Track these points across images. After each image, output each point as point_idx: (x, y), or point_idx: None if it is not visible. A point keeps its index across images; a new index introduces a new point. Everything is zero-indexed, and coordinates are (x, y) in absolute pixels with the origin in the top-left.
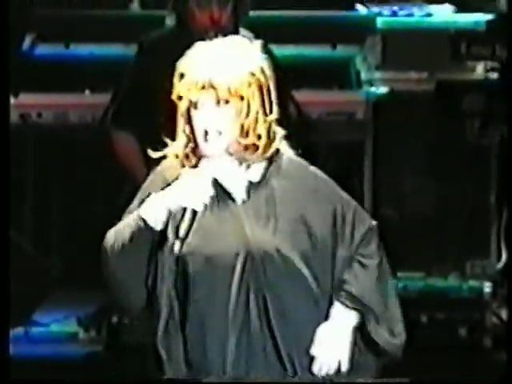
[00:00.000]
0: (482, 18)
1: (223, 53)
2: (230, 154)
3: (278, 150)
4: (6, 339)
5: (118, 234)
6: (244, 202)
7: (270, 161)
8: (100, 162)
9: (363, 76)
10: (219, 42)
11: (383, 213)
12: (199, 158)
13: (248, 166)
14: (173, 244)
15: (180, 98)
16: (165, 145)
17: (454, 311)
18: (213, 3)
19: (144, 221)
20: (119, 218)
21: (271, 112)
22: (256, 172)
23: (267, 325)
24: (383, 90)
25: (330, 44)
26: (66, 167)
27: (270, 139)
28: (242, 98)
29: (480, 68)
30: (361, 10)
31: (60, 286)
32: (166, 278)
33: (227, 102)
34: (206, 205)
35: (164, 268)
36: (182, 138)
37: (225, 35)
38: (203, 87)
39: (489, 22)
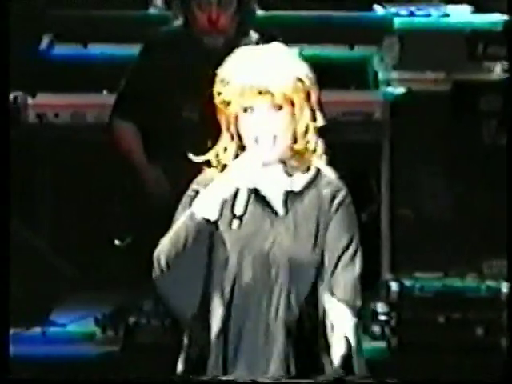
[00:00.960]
0: (499, 18)
1: (271, 59)
2: (281, 162)
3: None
4: (6, 338)
5: (173, 239)
6: (284, 212)
7: (311, 174)
8: (118, 163)
9: (380, 76)
10: (262, 49)
11: (400, 213)
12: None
13: (290, 175)
14: (231, 222)
15: (227, 103)
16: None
17: (471, 311)
18: (212, 5)
19: (201, 217)
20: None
21: (316, 119)
22: (297, 182)
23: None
24: (400, 90)
25: (348, 44)
26: (84, 167)
27: (316, 147)
28: (292, 104)
29: (497, 68)
30: (378, 10)
31: (77, 287)
32: (223, 276)
33: (280, 107)
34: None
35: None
36: (227, 143)
37: (226, 38)
38: (260, 92)
39: (506, 23)
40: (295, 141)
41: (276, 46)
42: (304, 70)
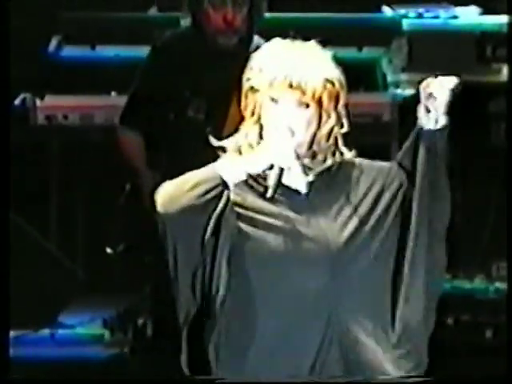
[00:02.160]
0: (508, 20)
1: (306, 56)
2: (297, 157)
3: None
4: (6, 340)
5: (181, 182)
6: (307, 194)
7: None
8: (125, 162)
9: (389, 78)
10: (298, 44)
11: None
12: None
13: (305, 173)
14: (263, 192)
15: (256, 90)
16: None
17: (480, 313)
18: (227, 4)
19: (220, 176)
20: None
21: (342, 125)
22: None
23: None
24: (409, 91)
25: (356, 46)
26: (92, 169)
27: (336, 152)
28: (320, 105)
29: (505, 70)
30: (387, 11)
31: (86, 288)
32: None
33: (308, 105)
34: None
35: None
36: (250, 128)
37: (239, 38)
38: (290, 86)
39: (508, 25)
40: (314, 141)
41: (312, 45)
42: (336, 73)
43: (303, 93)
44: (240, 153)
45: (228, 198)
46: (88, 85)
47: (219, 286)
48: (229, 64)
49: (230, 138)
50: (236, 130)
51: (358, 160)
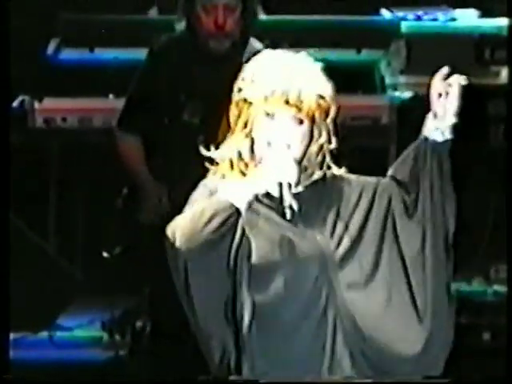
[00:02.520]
0: (507, 22)
1: (300, 70)
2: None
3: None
4: (6, 342)
5: (194, 216)
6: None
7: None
8: (125, 167)
9: (387, 80)
10: (289, 56)
11: None
12: (246, 165)
13: (297, 184)
14: (283, 213)
15: (249, 103)
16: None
17: (478, 316)
18: (218, 9)
19: (231, 203)
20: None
21: (331, 141)
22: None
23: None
24: (408, 94)
25: (355, 48)
26: (91, 172)
27: (324, 168)
28: (313, 121)
29: (504, 73)
30: (385, 14)
31: (84, 291)
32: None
33: (302, 121)
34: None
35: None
36: (241, 141)
37: (232, 42)
38: (287, 102)
39: (508, 27)
40: (305, 157)
41: (303, 57)
42: (328, 88)
43: (299, 109)
44: (231, 166)
45: (242, 224)
46: (86, 87)
47: (244, 312)
48: (222, 68)
49: (220, 149)
50: (224, 139)
51: (343, 174)
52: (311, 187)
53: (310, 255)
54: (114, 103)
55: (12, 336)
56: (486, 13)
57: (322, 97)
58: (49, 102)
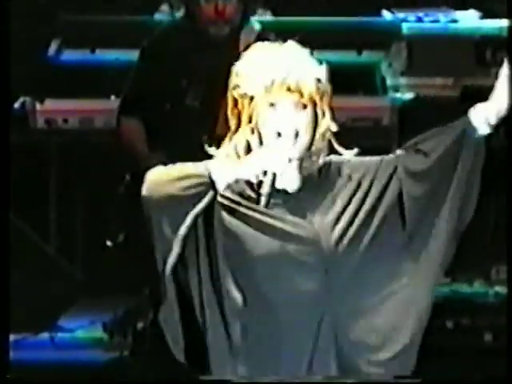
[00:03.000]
0: (507, 23)
1: (294, 57)
2: (299, 159)
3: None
4: (6, 343)
5: (171, 171)
6: (299, 194)
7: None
8: (126, 167)
9: (388, 82)
10: (279, 47)
11: None
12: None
13: (302, 174)
14: (257, 200)
15: (250, 97)
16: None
17: (479, 317)
18: None
19: (210, 177)
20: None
21: (331, 122)
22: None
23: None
24: (409, 95)
25: (356, 50)
26: (92, 172)
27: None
28: (315, 105)
29: None
30: (386, 15)
31: (85, 292)
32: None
33: (305, 106)
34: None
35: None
36: (249, 136)
37: (231, 27)
38: (288, 89)
39: (508, 28)
40: (313, 141)
41: (293, 45)
42: (323, 71)
43: (301, 95)
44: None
45: (213, 199)
46: (88, 88)
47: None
48: (223, 52)
49: (226, 147)
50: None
51: (347, 158)
52: (313, 175)
53: (304, 246)
54: (116, 104)
55: (13, 337)
56: (486, 14)
57: (319, 80)
58: (50, 103)
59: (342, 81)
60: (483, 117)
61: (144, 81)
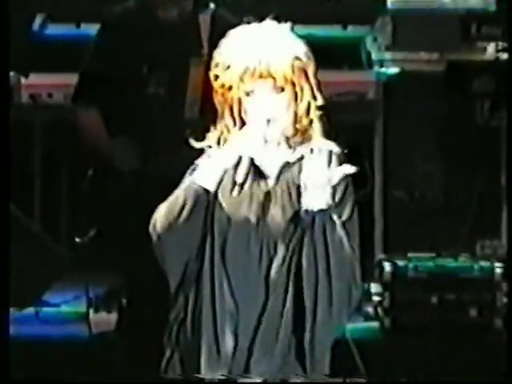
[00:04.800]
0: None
1: (268, 40)
2: (285, 139)
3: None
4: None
5: (170, 205)
6: (275, 183)
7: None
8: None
9: (374, 56)
10: (256, 28)
11: (394, 194)
12: None
13: (293, 148)
14: (232, 189)
15: (229, 87)
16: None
17: (464, 292)
18: None
19: (200, 186)
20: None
21: (315, 97)
22: (295, 154)
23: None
24: (394, 70)
25: (341, 24)
26: (76, 148)
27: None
28: (293, 85)
29: (490, 49)
30: None
31: (70, 267)
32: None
33: (282, 89)
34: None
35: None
36: (231, 127)
37: (181, 10)
38: (261, 76)
39: (499, 2)
40: (297, 119)
41: (269, 25)
42: (301, 48)
43: (274, 79)
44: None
45: (213, 200)
46: (73, 63)
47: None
48: (176, 34)
49: (212, 136)
50: (199, 103)
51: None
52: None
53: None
54: None
55: None
56: None
57: (296, 58)
58: (35, 78)
59: (327, 55)
60: (310, 197)
61: (97, 69)
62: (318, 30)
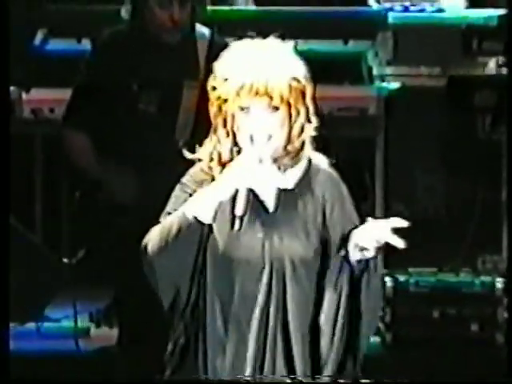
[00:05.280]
0: (494, 13)
1: (268, 57)
2: (273, 160)
3: (309, 158)
4: (6, 336)
5: (163, 232)
6: (276, 210)
7: (303, 168)
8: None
9: (375, 71)
10: (259, 44)
11: (395, 208)
12: (223, 164)
13: (284, 172)
14: (232, 223)
15: (224, 100)
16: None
17: (465, 307)
18: (174, 4)
19: (194, 217)
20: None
21: (310, 120)
22: (290, 179)
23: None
24: (395, 85)
25: (342, 39)
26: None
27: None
28: (289, 105)
29: (491, 63)
30: (373, 5)
31: (71, 282)
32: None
33: (277, 108)
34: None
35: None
36: (223, 139)
37: (183, 33)
38: (257, 93)
39: (500, 18)
40: (289, 140)
41: (272, 43)
42: (300, 69)
43: (271, 98)
44: (211, 160)
45: (207, 232)
46: (74, 78)
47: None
48: (173, 56)
49: (204, 148)
50: (192, 126)
51: (321, 167)
52: (288, 194)
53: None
54: None
55: None
56: (473, 3)
57: (294, 79)
58: (36, 93)
59: (328, 70)
60: (353, 242)
61: (89, 89)
62: (319, 45)
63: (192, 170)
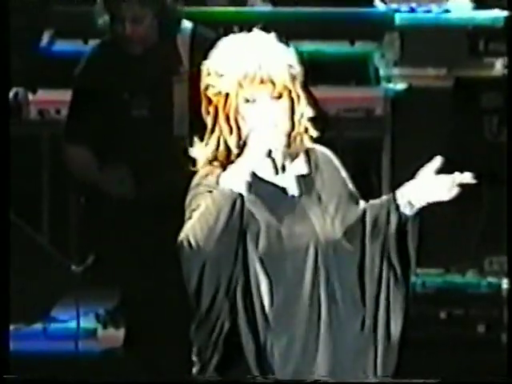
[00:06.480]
0: (501, 14)
1: (262, 47)
2: (282, 148)
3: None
4: (6, 336)
5: (201, 219)
6: (300, 195)
7: (307, 154)
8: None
9: (381, 72)
10: (247, 37)
11: None
12: (228, 162)
13: (292, 160)
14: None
15: (225, 95)
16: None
17: (472, 307)
18: (126, 21)
19: (231, 191)
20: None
21: (307, 106)
22: (301, 165)
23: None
24: (401, 86)
25: (349, 40)
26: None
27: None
28: (289, 91)
29: (498, 64)
30: (379, 6)
31: (78, 283)
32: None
33: (280, 96)
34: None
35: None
36: (227, 136)
37: (149, 44)
38: (261, 82)
39: (507, 19)
40: (293, 127)
41: (258, 35)
42: (292, 56)
43: (274, 85)
44: (215, 159)
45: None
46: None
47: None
48: (154, 60)
49: (206, 147)
50: (188, 118)
51: (316, 148)
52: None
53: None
54: None
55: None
56: (479, 4)
57: (290, 65)
58: (43, 94)
59: (334, 71)
60: (406, 198)
61: (84, 102)
62: (326, 46)
63: (200, 173)
